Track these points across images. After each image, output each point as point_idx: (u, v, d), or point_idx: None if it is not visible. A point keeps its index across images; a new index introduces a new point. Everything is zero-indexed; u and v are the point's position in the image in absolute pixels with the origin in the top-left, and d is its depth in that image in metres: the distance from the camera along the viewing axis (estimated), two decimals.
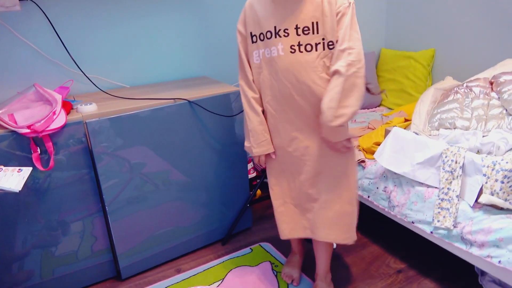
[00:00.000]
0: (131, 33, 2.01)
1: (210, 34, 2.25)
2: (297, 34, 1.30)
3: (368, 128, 2.25)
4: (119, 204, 1.73)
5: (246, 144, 1.55)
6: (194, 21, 2.18)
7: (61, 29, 1.82)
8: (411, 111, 2.11)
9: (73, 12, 1.84)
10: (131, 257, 1.83)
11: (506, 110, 1.65)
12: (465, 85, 1.83)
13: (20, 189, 1.19)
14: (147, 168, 1.76)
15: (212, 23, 2.23)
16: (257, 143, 1.51)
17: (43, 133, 1.46)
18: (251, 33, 1.38)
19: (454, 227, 1.51)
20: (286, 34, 1.31)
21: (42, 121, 1.46)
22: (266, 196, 2.45)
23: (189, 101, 1.75)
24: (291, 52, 1.32)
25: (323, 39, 1.30)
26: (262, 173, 2.37)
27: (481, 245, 1.43)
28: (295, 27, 1.30)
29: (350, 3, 1.29)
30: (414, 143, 1.68)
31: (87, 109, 1.61)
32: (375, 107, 2.74)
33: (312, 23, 1.29)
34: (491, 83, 1.79)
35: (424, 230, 1.62)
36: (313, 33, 1.30)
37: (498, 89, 1.72)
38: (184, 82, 2.11)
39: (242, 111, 1.91)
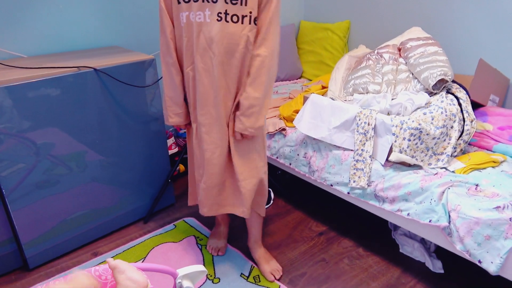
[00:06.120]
0: None
1: (122, 0, 2.07)
2: (225, 2, 1.22)
3: (289, 98, 2.27)
4: (24, 190, 1.56)
5: (164, 111, 1.48)
6: None
7: None
8: (329, 79, 2.16)
9: None
10: (39, 245, 1.67)
11: (412, 74, 1.74)
12: (376, 52, 1.90)
13: None
14: (57, 149, 1.60)
15: None
16: (174, 113, 1.44)
17: None
18: None
19: (368, 186, 1.58)
20: (214, 0, 1.23)
21: None
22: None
23: (95, 70, 1.60)
24: (217, 20, 1.23)
25: (250, 12, 1.24)
26: (183, 148, 2.28)
27: (392, 200, 1.51)
28: None
29: None
30: (331, 108, 1.71)
31: None
32: (296, 79, 2.77)
33: None
34: (399, 50, 1.88)
35: (342, 191, 1.68)
36: (241, 4, 1.23)
37: (405, 54, 1.81)
38: (91, 51, 1.93)
39: (157, 81, 1.82)
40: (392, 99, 1.69)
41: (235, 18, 1.24)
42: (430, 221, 1.38)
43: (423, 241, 1.72)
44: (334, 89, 1.89)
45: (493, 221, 1.23)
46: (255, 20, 1.26)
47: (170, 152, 2.25)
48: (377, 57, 1.88)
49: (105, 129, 1.72)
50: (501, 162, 1.52)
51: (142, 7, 2.15)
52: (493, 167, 1.50)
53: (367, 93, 1.77)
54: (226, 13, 1.23)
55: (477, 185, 1.38)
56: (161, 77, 1.82)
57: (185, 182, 2.35)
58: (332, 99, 1.82)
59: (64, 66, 1.57)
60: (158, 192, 2.01)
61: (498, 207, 1.24)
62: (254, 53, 1.29)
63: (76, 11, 1.93)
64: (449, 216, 1.33)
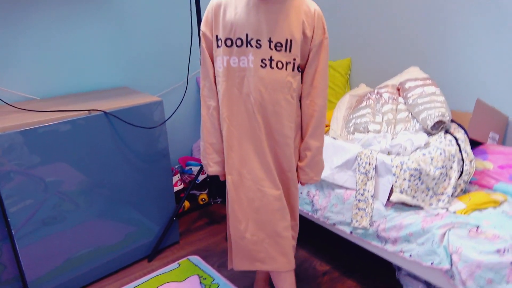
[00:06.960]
0: (40, 38, 1.88)
1: (130, 43, 2.18)
2: (270, 48, 1.20)
3: None
4: (32, 227, 1.60)
5: (202, 160, 1.41)
6: (112, 28, 2.09)
7: None
8: (331, 117, 2.21)
9: None
10: (45, 284, 1.68)
11: (411, 113, 1.78)
12: (376, 91, 1.95)
13: None
14: (65, 185, 1.65)
15: (131, 31, 2.16)
16: (214, 162, 1.38)
17: None
18: (217, 36, 1.24)
19: (370, 226, 1.59)
20: (258, 46, 1.19)
21: None
22: (194, 208, 2.41)
23: (105, 113, 1.67)
24: (261, 66, 1.21)
25: (294, 59, 1.22)
26: (189, 185, 2.32)
27: (394, 241, 1.51)
28: (268, 39, 1.19)
29: (325, 37, 1.24)
30: (332, 148, 1.75)
31: None
32: None
33: (286, 40, 1.19)
34: (398, 89, 1.93)
35: (345, 231, 1.69)
36: (285, 51, 1.20)
37: (404, 94, 1.86)
38: (101, 93, 2.01)
39: (164, 121, 1.89)
40: (392, 138, 1.72)
41: (280, 65, 1.22)
42: (432, 263, 1.38)
43: (427, 282, 1.71)
44: (335, 128, 1.94)
45: (494, 265, 1.23)
46: (298, 67, 1.24)
47: (176, 189, 2.28)
48: (377, 96, 1.93)
49: (112, 167, 1.77)
50: (502, 202, 1.53)
51: (150, 49, 2.25)
52: (494, 207, 1.51)
53: (368, 132, 1.80)
54: (271, 59, 1.21)
55: (478, 227, 1.38)
56: (168, 118, 1.91)
57: (190, 219, 2.38)
58: (334, 138, 1.86)
59: (75, 110, 1.64)
60: (163, 230, 2.03)
61: (498, 250, 1.25)
62: (308, 102, 1.29)
63: (87, 54, 2.04)
64: (451, 258, 1.33)
